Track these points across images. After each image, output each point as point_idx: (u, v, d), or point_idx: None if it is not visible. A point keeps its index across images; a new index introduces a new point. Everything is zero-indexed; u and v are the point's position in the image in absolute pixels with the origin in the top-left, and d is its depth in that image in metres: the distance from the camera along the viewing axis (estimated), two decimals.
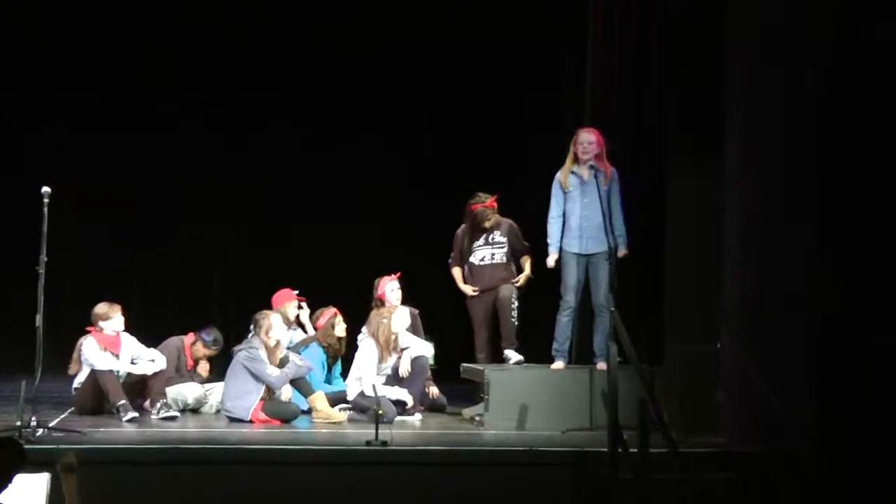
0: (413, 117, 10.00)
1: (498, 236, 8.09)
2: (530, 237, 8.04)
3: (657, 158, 7.80)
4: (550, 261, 7.46)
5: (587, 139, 7.39)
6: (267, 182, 10.09)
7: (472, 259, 8.09)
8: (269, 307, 8.18)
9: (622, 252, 7.25)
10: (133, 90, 9.92)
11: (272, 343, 7.67)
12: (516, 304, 7.97)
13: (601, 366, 7.20)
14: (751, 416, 6.43)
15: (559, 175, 7.46)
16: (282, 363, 7.67)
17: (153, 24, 9.77)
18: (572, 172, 7.41)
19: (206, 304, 10.20)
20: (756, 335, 6.57)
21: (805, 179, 6.39)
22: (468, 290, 8.08)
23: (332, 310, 8.35)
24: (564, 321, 7.41)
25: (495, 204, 8.05)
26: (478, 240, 8.09)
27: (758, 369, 6.27)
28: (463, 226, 8.16)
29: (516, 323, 7.94)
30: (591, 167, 7.31)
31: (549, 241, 7.46)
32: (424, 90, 9.94)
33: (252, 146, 10.07)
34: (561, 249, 7.44)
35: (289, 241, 10.10)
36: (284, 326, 7.94)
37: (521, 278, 8.04)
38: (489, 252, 8.10)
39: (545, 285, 7.80)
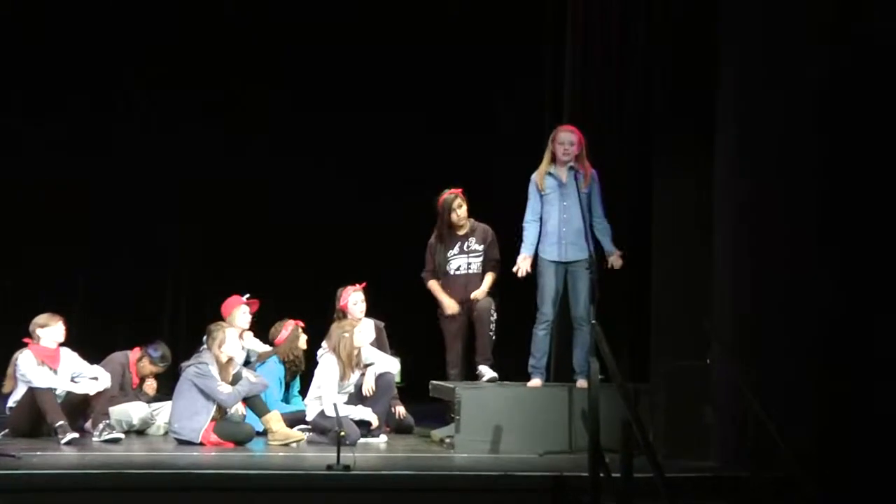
0: (383, 119, 10.11)
1: (474, 243, 8.06)
2: (509, 242, 7.94)
3: (643, 160, 7.76)
4: (522, 262, 7.29)
5: (568, 139, 7.35)
6: (226, 185, 10.13)
7: (447, 268, 8.05)
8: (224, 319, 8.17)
9: (615, 256, 7.27)
10: (87, 88, 9.96)
11: (224, 358, 7.61)
12: (495, 316, 7.95)
13: (581, 383, 7.18)
14: (743, 438, 6.35)
15: (535, 177, 7.41)
16: (234, 380, 7.63)
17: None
18: (549, 174, 7.36)
19: (155, 315, 10.17)
20: (749, 350, 6.54)
21: (801, 182, 6.39)
22: (451, 305, 7.98)
23: (292, 322, 8.29)
24: (541, 335, 7.35)
25: (461, 192, 7.99)
26: (452, 248, 8.06)
27: (751, 387, 6.20)
28: (434, 234, 8.11)
29: (493, 337, 7.94)
30: (571, 168, 7.29)
31: (524, 243, 7.36)
32: (394, 92, 10.09)
33: (210, 147, 10.13)
34: (537, 256, 7.36)
35: (248, 246, 10.11)
36: (240, 341, 7.89)
37: (477, 292, 7.93)
38: (464, 261, 8.06)
39: (521, 296, 7.76)
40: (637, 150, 7.90)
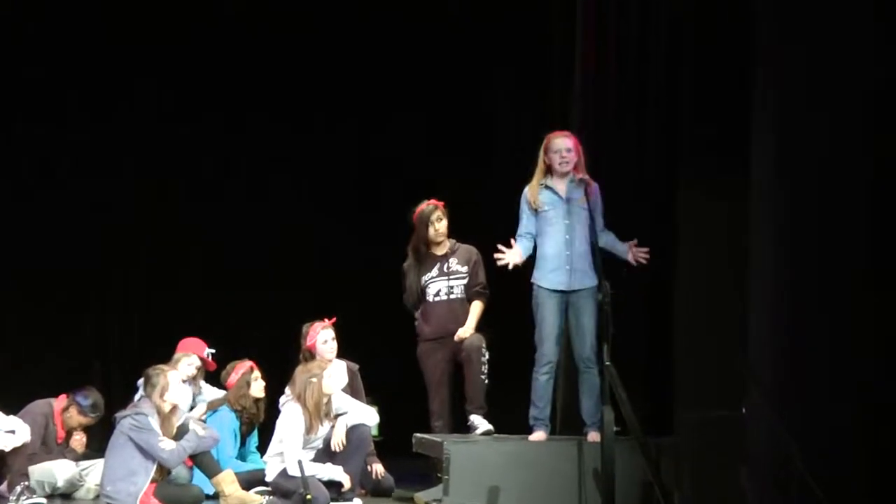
0: (361, 134, 10.48)
1: (455, 264, 8.05)
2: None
3: (665, 175, 7.80)
4: (511, 253, 7.19)
5: (564, 145, 7.33)
6: (172, 208, 10.40)
7: (425, 295, 8.06)
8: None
9: (632, 249, 7.35)
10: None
11: (167, 408, 7.56)
12: (487, 355, 7.90)
13: (593, 436, 7.13)
14: (785, 500, 6.30)
15: (527, 192, 7.38)
16: (179, 433, 7.54)
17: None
18: (547, 187, 7.34)
19: (85, 356, 10.18)
20: (791, 397, 6.46)
21: (852, 195, 6.37)
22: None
23: (248, 363, 8.27)
24: (543, 380, 7.30)
25: (442, 205, 8.04)
26: (429, 270, 8.04)
27: (793, 440, 6.20)
28: (407, 262, 8.13)
29: (486, 381, 7.88)
30: (572, 180, 7.28)
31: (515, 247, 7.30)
32: (372, 104, 10.46)
33: (157, 173, 10.48)
34: (533, 286, 7.32)
35: (200, 276, 10.29)
36: (185, 387, 7.87)
37: (463, 331, 7.90)
38: (444, 285, 8.03)
39: (520, 328, 7.78)
40: (658, 165, 7.93)
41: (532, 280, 7.33)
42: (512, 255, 7.21)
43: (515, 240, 7.30)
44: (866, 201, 6.29)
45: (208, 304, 9.95)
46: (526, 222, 7.34)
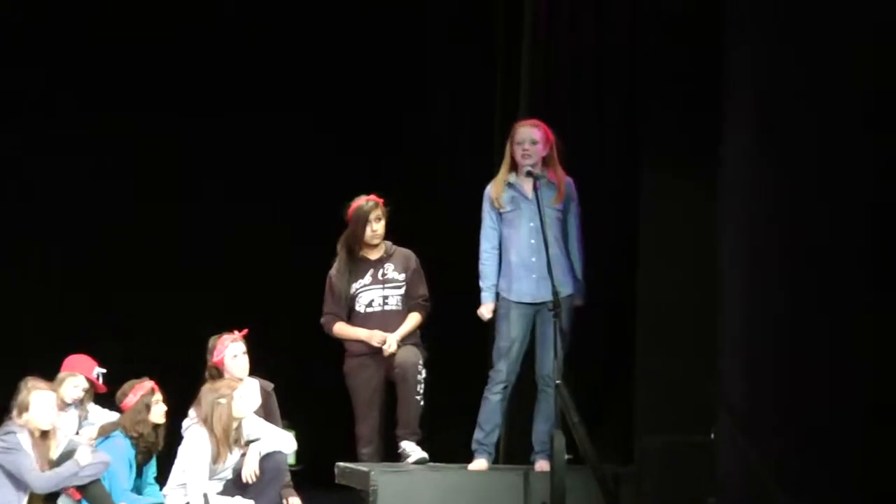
0: (280, 122, 10.52)
1: (391, 271, 7.94)
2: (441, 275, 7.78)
3: (626, 164, 7.78)
4: (485, 311, 7.30)
5: (529, 136, 7.22)
6: (70, 206, 10.35)
7: (355, 305, 7.93)
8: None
9: (577, 301, 7.31)
10: None
11: (35, 427, 7.46)
12: (423, 373, 7.80)
13: (542, 465, 7.11)
14: None
15: (489, 190, 7.32)
16: (63, 458, 7.45)
17: None
18: (509, 185, 7.25)
19: None
20: (766, 421, 6.37)
21: (845, 193, 6.25)
22: (376, 335, 7.77)
23: (148, 384, 8.16)
24: (494, 401, 7.24)
25: (382, 203, 7.96)
26: (361, 276, 7.92)
27: (768, 469, 6.14)
28: (335, 265, 8.01)
29: (422, 403, 7.79)
30: (540, 177, 7.14)
31: (481, 283, 7.31)
32: (295, 93, 10.56)
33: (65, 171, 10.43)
34: (497, 296, 7.26)
35: (95, 279, 10.30)
36: (72, 411, 7.88)
37: (390, 337, 7.74)
38: (379, 294, 7.90)
39: (461, 345, 7.93)
40: (620, 149, 7.92)
41: (498, 290, 7.31)
42: (486, 314, 7.29)
43: (481, 258, 7.27)
44: (865, 197, 6.16)
45: (104, 320, 9.98)
46: (490, 230, 7.29)
